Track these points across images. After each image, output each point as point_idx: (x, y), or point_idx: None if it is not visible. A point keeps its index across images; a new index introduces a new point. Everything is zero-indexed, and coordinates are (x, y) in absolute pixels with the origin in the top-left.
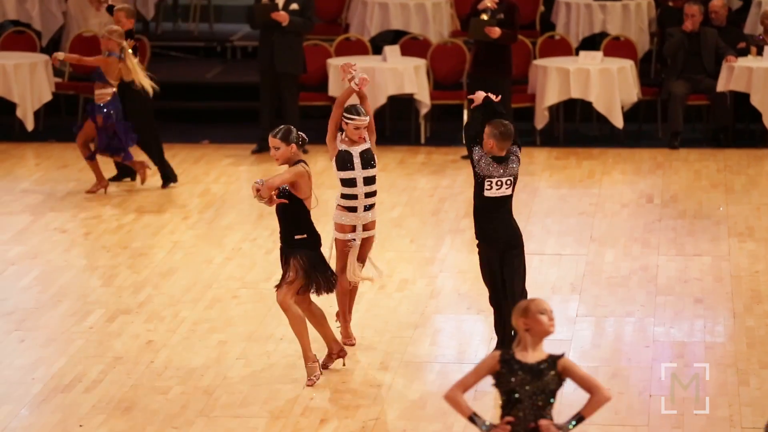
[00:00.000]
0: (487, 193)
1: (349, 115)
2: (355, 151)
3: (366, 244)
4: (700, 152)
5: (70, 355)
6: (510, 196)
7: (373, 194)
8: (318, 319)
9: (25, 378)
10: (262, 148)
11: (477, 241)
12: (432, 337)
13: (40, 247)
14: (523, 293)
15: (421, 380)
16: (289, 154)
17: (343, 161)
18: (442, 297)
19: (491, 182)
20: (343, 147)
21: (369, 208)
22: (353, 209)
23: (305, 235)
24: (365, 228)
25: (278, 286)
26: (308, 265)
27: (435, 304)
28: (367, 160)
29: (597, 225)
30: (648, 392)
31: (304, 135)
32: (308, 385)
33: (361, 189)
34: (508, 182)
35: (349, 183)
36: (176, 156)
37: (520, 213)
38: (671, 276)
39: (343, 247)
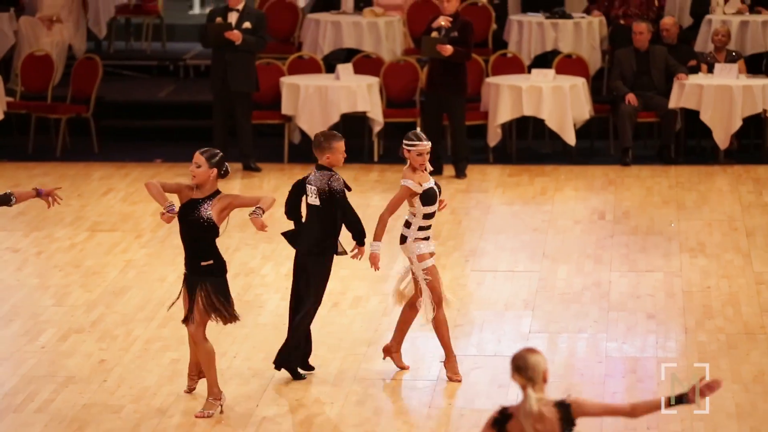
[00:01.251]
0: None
1: (410, 142)
2: (434, 184)
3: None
4: (652, 169)
5: (21, 375)
6: (318, 207)
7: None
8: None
9: None
10: None
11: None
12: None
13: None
14: (313, 302)
15: (375, 397)
16: (206, 176)
17: (431, 197)
18: (396, 314)
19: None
20: (426, 184)
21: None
22: (428, 238)
23: (211, 261)
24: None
25: (186, 319)
26: (214, 295)
27: (388, 321)
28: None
29: (550, 241)
30: None
31: (229, 168)
32: (196, 417)
33: (433, 221)
34: (314, 192)
35: (431, 216)
36: (129, 175)
37: (473, 230)
38: (623, 292)
39: (434, 274)
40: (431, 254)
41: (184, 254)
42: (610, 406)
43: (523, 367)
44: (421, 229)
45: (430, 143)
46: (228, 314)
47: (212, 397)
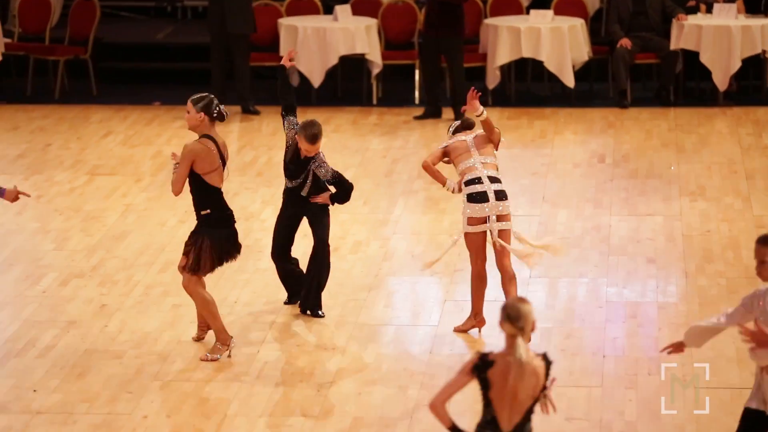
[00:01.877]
0: None
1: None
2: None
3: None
4: (651, 111)
5: (23, 320)
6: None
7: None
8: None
9: None
10: None
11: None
12: (386, 300)
13: None
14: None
15: (376, 343)
16: (196, 122)
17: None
18: (396, 259)
19: None
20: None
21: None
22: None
23: (209, 211)
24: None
25: (182, 268)
26: (211, 248)
27: (389, 266)
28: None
29: (549, 185)
30: (602, 353)
31: (224, 110)
32: (202, 359)
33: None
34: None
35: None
36: (128, 118)
37: None
38: (623, 236)
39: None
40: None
41: None
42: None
43: (515, 317)
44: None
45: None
46: (227, 257)
47: (219, 342)
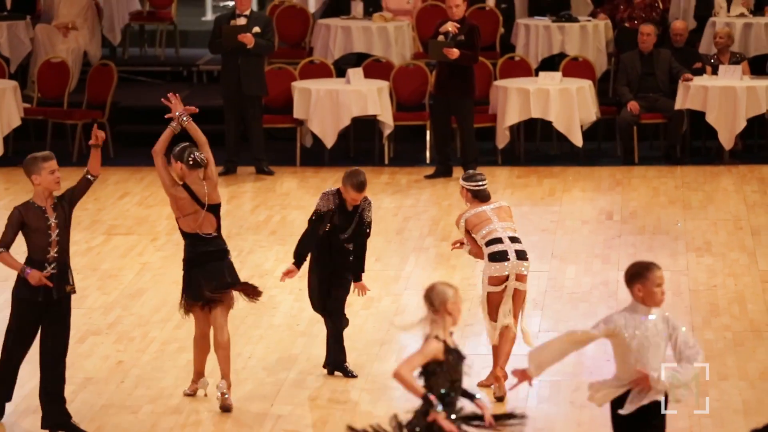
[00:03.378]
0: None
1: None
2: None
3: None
4: (658, 169)
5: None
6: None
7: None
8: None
9: None
10: (228, 170)
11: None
12: (398, 354)
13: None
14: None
15: (388, 397)
16: (177, 172)
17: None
18: (408, 314)
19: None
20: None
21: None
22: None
23: (184, 254)
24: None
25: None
26: (183, 288)
27: (400, 321)
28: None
29: (558, 242)
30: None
31: (200, 156)
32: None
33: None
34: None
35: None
36: (144, 179)
37: None
38: None
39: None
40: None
41: None
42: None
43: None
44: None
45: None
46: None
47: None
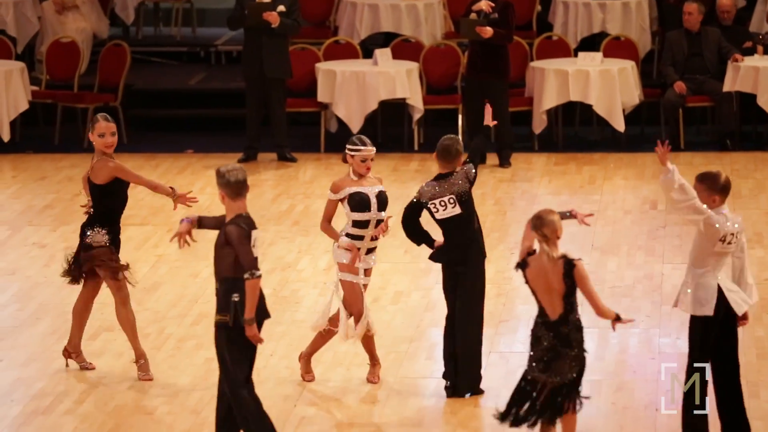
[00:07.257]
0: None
1: (354, 147)
2: (371, 192)
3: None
4: (705, 156)
5: (50, 375)
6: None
7: (376, 238)
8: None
9: (4, 400)
10: (249, 157)
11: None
12: (428, 351)
13: (18, 262)
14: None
15: (418, 396)
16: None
17: (361, 203)
18: (438, 310)
19: (435, 204)
20: (354, 188)
21: (371, 251)
22: (369, 251)
23: None
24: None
25: None
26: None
27: (430, 317)
28: (382, 203)
29: (599, 233)
30: (654, 406)
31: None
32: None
33: (370, 231)
34: (452, 201)
35: (362, 225)
36: (159, 166)
37: (518, 221)
38: (677, 285)
39: (351, 292)
40: (366, 271)
41: None
42: (594, 297)
43: (539, 226)
44: (348, 235)
45: (374, 149)
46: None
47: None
